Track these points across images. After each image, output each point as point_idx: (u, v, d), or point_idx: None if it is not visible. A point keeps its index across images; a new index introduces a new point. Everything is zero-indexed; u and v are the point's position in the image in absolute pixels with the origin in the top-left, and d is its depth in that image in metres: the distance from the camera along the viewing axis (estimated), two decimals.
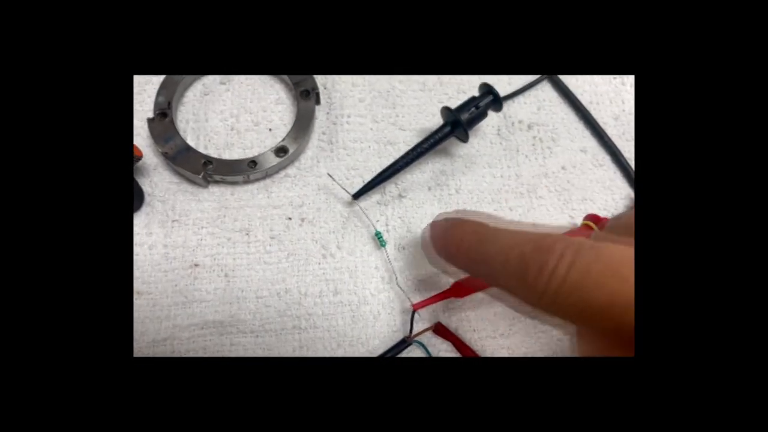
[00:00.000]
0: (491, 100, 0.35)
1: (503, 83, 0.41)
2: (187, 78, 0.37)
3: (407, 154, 0.35)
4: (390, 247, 0.35)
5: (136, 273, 0.33)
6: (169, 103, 0.35)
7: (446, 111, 0.35)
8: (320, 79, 0.39)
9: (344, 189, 0.35)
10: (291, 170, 0.37)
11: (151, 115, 0.35)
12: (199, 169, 0.34)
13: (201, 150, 0.35)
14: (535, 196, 0.38)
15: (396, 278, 0.34)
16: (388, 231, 0.36)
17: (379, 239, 0.35)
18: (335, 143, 0.38)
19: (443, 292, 0.32)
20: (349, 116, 0.39)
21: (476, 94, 0.36)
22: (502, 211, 0.37)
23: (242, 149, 0.37)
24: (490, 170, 0.38)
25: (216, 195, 0.35)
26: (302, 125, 0.36)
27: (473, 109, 0.35)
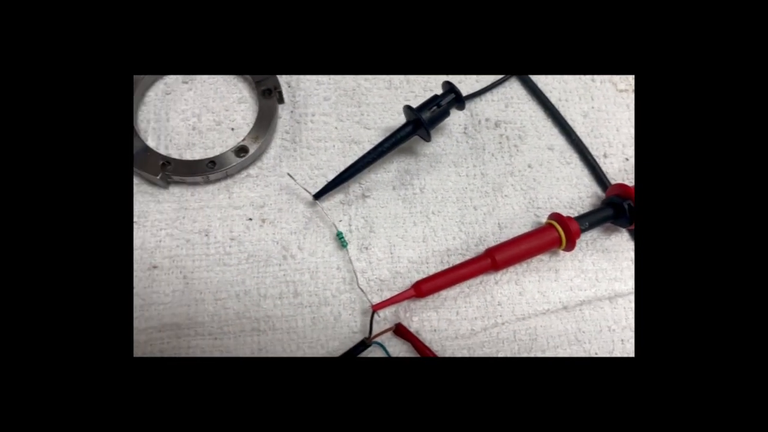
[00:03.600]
0: (453, 98, 0.35)
1: (471, 81, 0.41)
2: (148, 78, 0.36)
3: (369, 153, 0.35)
4: (352, 248, 0.35)
5: None
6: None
7: (408, 110, 0.35)
8: (284, 78, 0.39)
9: (305, 189, 0.35)
10: (253, 170, 0.36)
11: None
12: (158, 170, 0.33)
13: (160, 151, 0.35)
14: (500, 195, 0.37)
15: (357, 279, 0.34)
16: (351, 231, 0.35)
17: (340, 240, 0.34)
18: (299, 142, 0.37)
19: (403, 293, 0.32)
20: (313, 115, 0.38)
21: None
22: (466, 210, 0.37)
23: (203, 149, 0.36)
24: (456, 169, 0.38)
25: (176, 196, 0.35)
26: (263, 124, 0.36)
27: (435, 107, 0.34)
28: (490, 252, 0.34)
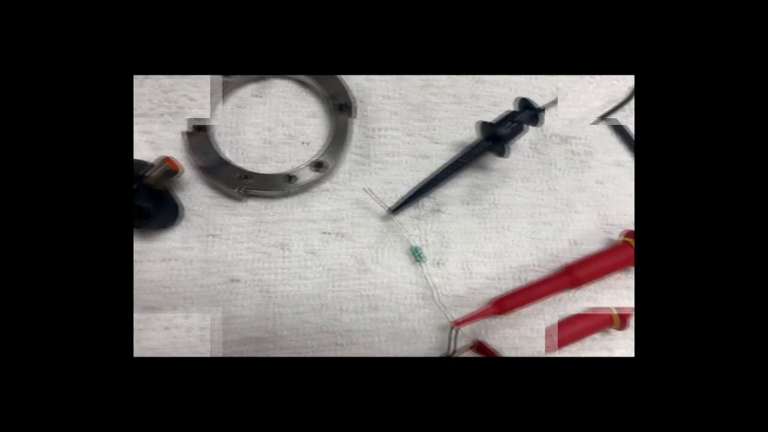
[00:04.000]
0: (530, 115, 0.35)
1: (536, 96, 0.41)
2: (223, 90, 0.37)
3: (446, 168, 0.35)
4: (427, 262, 0.35)
5: (174, 288, 0.32)
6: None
7: (484, 125, 0.35)
8: (354, 92, 0.39)
9: (381, 204, 0.35)
10: (327, 184, 0.36)
11: (187, 128, 0.35)
12: (236, 183, 0.34)
13: (238, 164, 0.35)
14: (572, 211, 0.37)
15: (434, 294, 0.33)
16: (424, 246, 0.35)
17: (416, 254, 0.34)
18: (370, 157, 0.38)
19: (485, 310, 0.32)
20: (383, 130, 0.39)
21: (509, 106, 0.36)
22: (538, 226, 0.37)
23: (278, 163, 0.37)
24: (526, 184, 0.38)
25: (252, 209, 0.35)
26: (339, 140, 0.36)
27: (512, 123, 0.34)
28: (569, 269, 0.33)
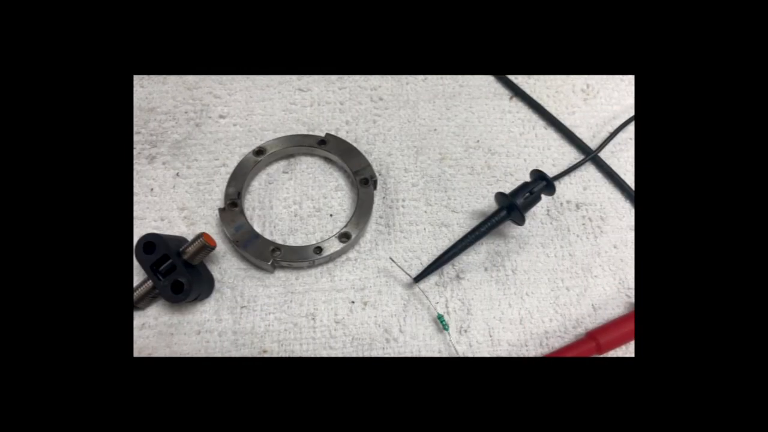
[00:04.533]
0: (544, 185, 0.37)
1: (548, 166, 0.43)
2: (255, 169, 0.40)
3: (467, 236, 0.36)
4: (451, 330, 0.35)
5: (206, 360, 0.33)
6: (239, 193, 0.38)
7: (501, 196, 0.37)
8: (375, 166, 0.42)
9: (406, 272, 0.36)
10: (351, 254, 0.38)
11: (221, 205, 0.38)
12: (268, 255, 0.35)
13: (269, 237, 0.37)
14: (590, 275, 0.38)
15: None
16: (448, 313, 0.36)
17: (441, 322, 0.35)
18: (392, 226, 0.39)
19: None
20: (403, 200, 0.41)
21: (522, 175, 0.38)
22: (559, 291, 0.38)
23: (305, 234, 0.38)
24: (544, 250, 0.39)
25: (282, 280, 0.37)
26: (363, 211, 0.38)
27: (528, 194, 0.36)
28: (593, 335, 0.34)
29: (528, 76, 0.48)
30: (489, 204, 0.41)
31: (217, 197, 0.39)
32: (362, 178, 0.39)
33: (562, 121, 0.45)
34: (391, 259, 0.37)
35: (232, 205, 0.37)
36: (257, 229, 0.38)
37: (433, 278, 0.37)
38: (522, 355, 0.35)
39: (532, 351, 0.35)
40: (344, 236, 0.37)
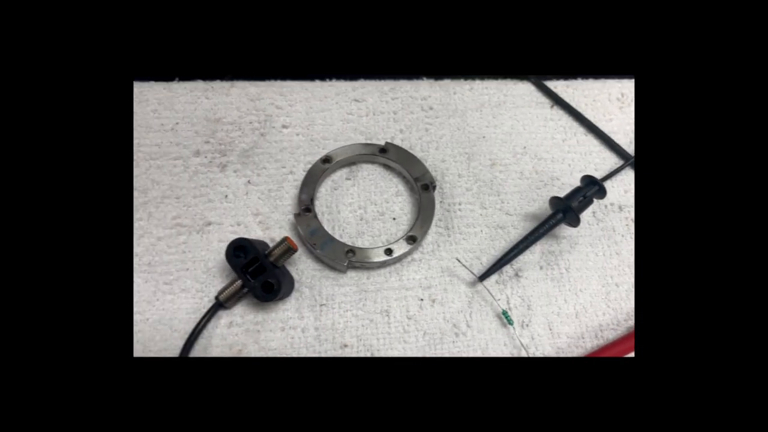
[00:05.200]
0: (597, 189, 0.40)
1: (591, 170, 0.46)
2: (323, 176, 0.42)
3: (527, 237, 0.39)
4: (515, 325, 0.38)
5: (295, 354, 0.36)
6: (312, 199, 0.40)
7: (556, 200, 0.40)
8: (432, 172, 0.44)
9: (470, 271, 0.39)
10: (416, 255, 0.41)
11: (293, 210, 0.40)
12: (343, 257, 0.38)
13: (344, 240, 0.40)
14: None
15: (526, 354, 0.37)
16: (510, 309, 0.39)
17: (506, 317, 0.38)
18: (451, 229, 0.42)
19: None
20: (459, 204, 0.43)
21: (567, 179, 0.41)
22: (610, 287, 0.40)
23: (371, 237, 0.41)
24: (593, 249, 0.42)
25: (354, 279, 0.39)
26: (426, 215, 0.41)
27: (581, 197, 0.39)
28: None
29: (566, 84, 0.51)
30: (540, 206, 0.44)
31: (287, 203, 0.42)
32: (423, 184, 0.42)
33: (601, 128, 0.48)
34: (457, 259, 0.40)
35: (306, 210, 0.40)
36: (333, 233, 0.40)
37: (493, 277, 0.40)
38: (580, 346, 0.38)
39: (589, 343, 0.38)
40: (411, 239, 0.39)
